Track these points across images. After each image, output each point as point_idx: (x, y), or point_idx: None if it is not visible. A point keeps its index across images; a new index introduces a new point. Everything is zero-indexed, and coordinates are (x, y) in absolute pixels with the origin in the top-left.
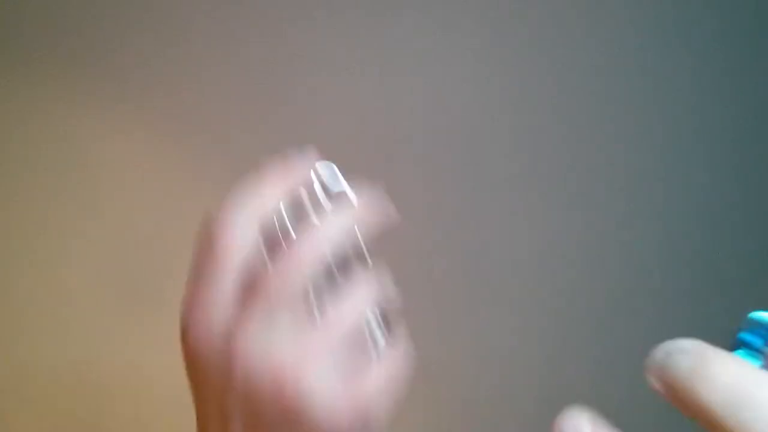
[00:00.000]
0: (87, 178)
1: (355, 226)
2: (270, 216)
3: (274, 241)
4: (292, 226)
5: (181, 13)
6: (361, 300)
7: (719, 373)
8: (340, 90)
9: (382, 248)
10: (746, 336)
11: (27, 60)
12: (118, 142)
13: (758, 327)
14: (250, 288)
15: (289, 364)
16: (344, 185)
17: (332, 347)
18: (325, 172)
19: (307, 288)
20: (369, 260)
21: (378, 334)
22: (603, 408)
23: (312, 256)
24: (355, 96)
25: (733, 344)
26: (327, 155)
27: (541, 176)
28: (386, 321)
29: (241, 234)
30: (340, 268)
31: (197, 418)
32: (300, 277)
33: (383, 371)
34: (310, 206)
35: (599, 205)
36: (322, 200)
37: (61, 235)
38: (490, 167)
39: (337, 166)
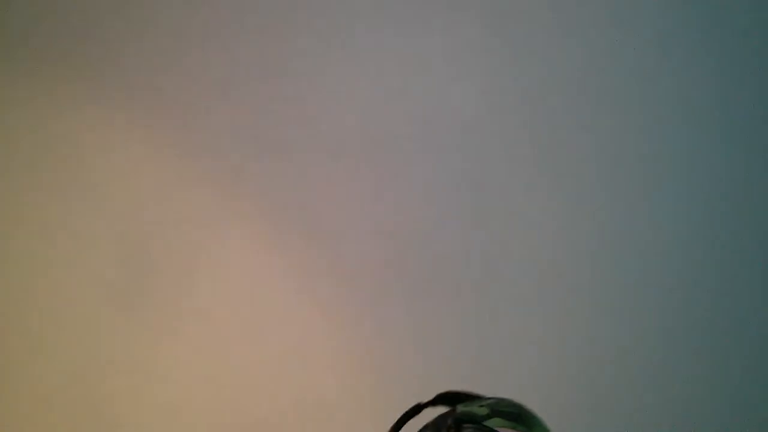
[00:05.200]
0: (87, 179)
1: None
2: None
3: None
4: None
5: (180, 13)
6: None
7: None
8: (339, 90)
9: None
10: None
11: (26, 61)
12: (117, 143)
13: None
14: None
15: None
16: None
17: None
18: None
19: None
20: None
21: None
22: (606, 410)
23: None
24: (356, 96)
25: None
26: (327, 154)
27: (544, 176)
28: None
29: None
30: None
31: None
32: None
33: None
34: None
35: (601, 205)
36: None
37: (61, 235)
38: (492, 166)
39: (338, 166)
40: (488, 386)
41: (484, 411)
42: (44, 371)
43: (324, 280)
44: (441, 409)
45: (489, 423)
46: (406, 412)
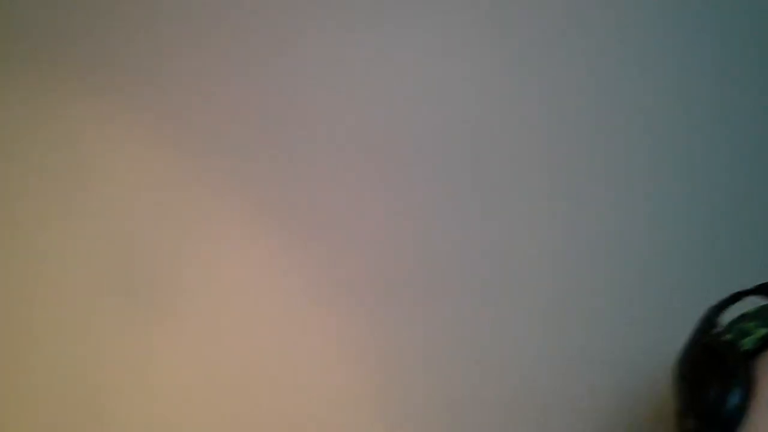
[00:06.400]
0: (87, 179)
1: None
2: None
3: None
4: None
5: (179, 12)
6: None
7: None
8: (340, 89)
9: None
10: None
11: (25, 61)
12: (116, 143)
13: None
14: None
15: None
16: None
17: None
18: None
19: None
20: None
21: None
22: (606, 409)
23: None
24: (356, 95)
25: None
26: (327, 154)
27: (546, 176)
28: None
29: None
30: None
31: None
32: None
33: None
34: None
35: (603, 205)
36: None
37: (58, 235)
38: (493, 166)
39: (339, 166)
40: (490, 388)
41: None
42: (42, 371)
43: (325, 280)
44: (762, 300)
45: None
46: (725, 299)
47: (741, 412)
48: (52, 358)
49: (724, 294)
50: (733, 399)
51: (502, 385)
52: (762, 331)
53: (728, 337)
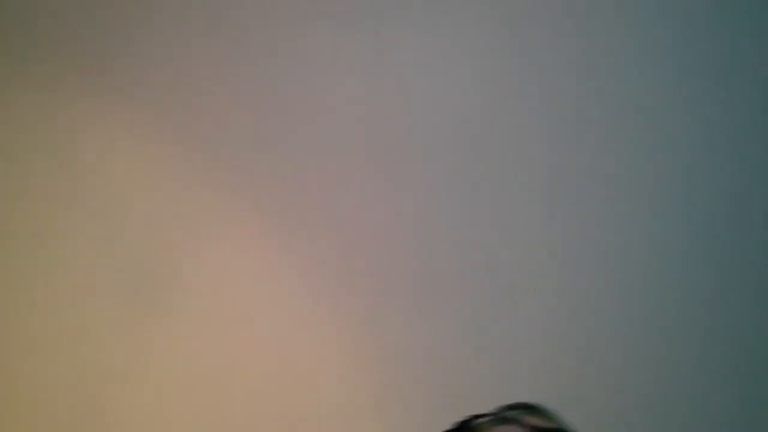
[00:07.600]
0: (87, 180)
1: None
2: None
3: None
4: None
5: (179, 11)
6: None
7: None
8: (339, 89)
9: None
10: None
11: (25, 62)
12: (116, 143)
13: None
14: None
15: None
16: None
17: None
18: None
19: None
20: None
21: None
22: (606, 410)
23: None
24: (355, 95)
25: None
26: (328, 155)
27: (546, 177)
28: None
29: None
30: None
31: None
32: None
33: None
34: None
35: (602, 205)
36: None
37: (58, 237)
38: (493, 167)
39: (339, 166)
40: (489, 387)
41: None
42: (42, 370)
43: (325, 279)
44: None
45: None
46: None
47: None
48: (53, 357)
49: (722, 294)
50: None
51: (501, 384)
52: None
53: None
